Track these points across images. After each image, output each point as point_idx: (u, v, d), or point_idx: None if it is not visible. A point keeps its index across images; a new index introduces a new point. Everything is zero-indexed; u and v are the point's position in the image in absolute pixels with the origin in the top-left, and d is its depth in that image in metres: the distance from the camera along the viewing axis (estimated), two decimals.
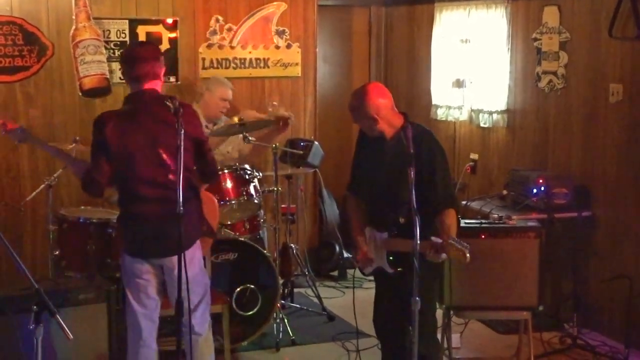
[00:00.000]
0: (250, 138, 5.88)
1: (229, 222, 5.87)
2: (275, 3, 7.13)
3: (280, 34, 7.16)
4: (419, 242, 3.65)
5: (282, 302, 6.18)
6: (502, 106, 6.80)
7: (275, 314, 5.74)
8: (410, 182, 3.65)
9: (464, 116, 7.28)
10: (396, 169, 3.98)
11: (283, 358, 5.63)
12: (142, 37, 6.63)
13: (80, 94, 6.51)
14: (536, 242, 5.06)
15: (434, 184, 4.07)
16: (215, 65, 6.96)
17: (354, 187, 4.41)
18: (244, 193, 5.70)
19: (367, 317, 4.58)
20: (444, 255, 3.86)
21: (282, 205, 6.46)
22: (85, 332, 4.58)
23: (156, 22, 6.73)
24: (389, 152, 4.12)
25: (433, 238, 3.86)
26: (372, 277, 4.47)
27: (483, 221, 5.25)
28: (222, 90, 6.27)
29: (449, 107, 7.40)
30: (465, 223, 5.02)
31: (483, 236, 5.03)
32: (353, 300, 4.54)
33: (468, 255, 3.74)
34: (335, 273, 7.42)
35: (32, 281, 2.99)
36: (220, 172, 5.57)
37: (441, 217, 4.04)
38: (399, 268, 4.08)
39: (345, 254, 7.37)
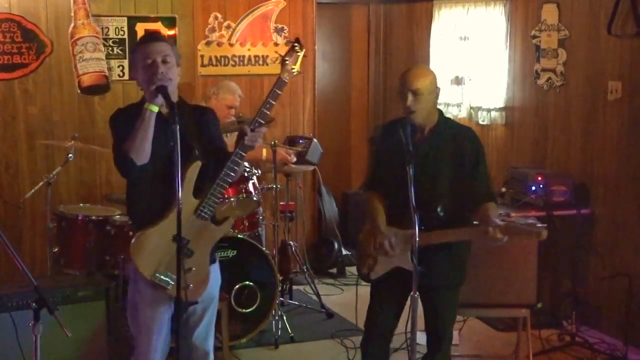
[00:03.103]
0: None
1: None
2: (274, 0, 7.12)
3: (279, 31, 7.16)
4: (466, 228, 3.84)
5: (281, 299, 6.18)
6: (501, 103, 6.80)
7: (274, 311, 5.74)
8: (409, 179, 3.64)
9: (462, 113, 7.28)
10: (431, 162, 3.98)
11: (282, 355, 5.63)
12: (140, 35, 6.62)
13: (79, 91, 6.52)
14: (535, 240, 5.05)
15: (478, 178, 4.06)
16: (214, 62, 6.97)
17: (374, 186, 4.23)
18: (243, 190, 5.69)
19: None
20: (505, 238, 3.82)
21: (281, 203, 6.46)
22: (84, 329, 4.58)
23: (155, 20, 6.72)
24: (423, 145, 4.02)
25: (495, 220, 3.84)
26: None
27: None
28: (229, 98, 6.25)
29: (448, 105, 7.39)
30: None
31: None
32: (356, 297, 4.53)
33: (544, 232, 3.79)
34: (334, 270, 7.42)
35: (31, 278, 2.99)
36: None
37: (486, 206, 3.99)
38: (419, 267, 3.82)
39: (344, 251, 7.37)
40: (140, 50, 3.60)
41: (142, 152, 3.48)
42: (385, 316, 4.20)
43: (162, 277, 3.55)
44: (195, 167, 3.57)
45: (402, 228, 3.99)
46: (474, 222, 4.06)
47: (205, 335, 3.82)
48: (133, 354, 3.77)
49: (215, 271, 3.82)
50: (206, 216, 3.60)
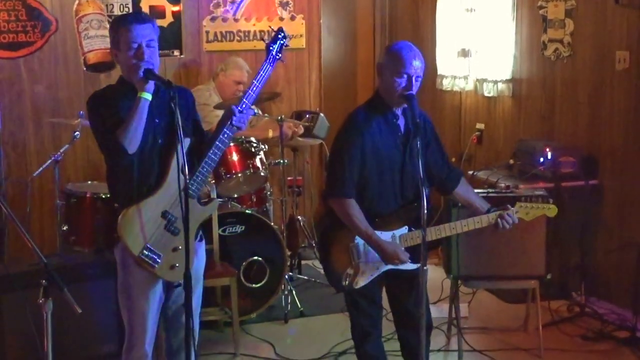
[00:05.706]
0: (257, 111, 5.86)
1: (235, 195, 5.88)
2: None
3: (284, 5, 7.13)
4: (475, 218, 3.94)
5: (290, 274, 6.19)
6: (508, 75, 6.76)
7: (283, 286, 5.76)
8: (417, 153, 3.51)
9: (469, 86, 7.25)
10: (414, 146, 3.68)
11: (291, 330, 5.65)
12: (145, 11, 6.60)
13: (84, 68, 6.51)
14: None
15: (445, 154, 4.11)
16: (219, 38, 6.94)
17: (352, 192, 3.85)
18: (250, 166, 5.69)
19: None
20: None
21: (289, 178, 6.46)
22: (93, 306, 4.60)
23: None
24: (402, 131, 3.92)
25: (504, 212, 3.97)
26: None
27: (490, 190, 5.24)
28: (237, 73, 6.25)
29: (455, 77, 7.37)
30: None
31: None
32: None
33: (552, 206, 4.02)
34: None
35: (40, 256, 3.00)
36: None
37: (468, 187, 4.12)
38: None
39: None
40: (124, 31, 3.54)
41: (135, 141, 3.49)
42: (380, 314, 4.19)
43: (149, 253, 3.55)
44: (184, 144, 3.46)
45: (387, 229, 3.91)
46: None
47: (193, 315, 3.80)
48: (126, 339, 3.77)
49: (201, 249, 3.83)
50: (193, 194, 3.58)
